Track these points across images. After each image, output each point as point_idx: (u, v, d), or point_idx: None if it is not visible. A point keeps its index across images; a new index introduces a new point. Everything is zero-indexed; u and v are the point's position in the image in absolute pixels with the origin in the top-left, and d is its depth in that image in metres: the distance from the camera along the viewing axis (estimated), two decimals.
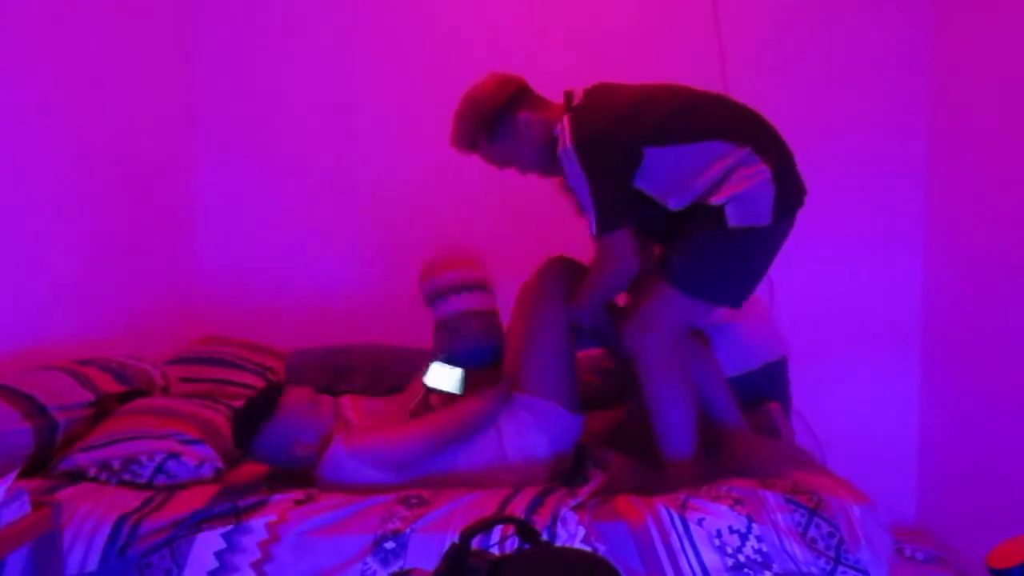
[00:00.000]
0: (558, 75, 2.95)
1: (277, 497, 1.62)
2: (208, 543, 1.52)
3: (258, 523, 1.54)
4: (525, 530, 1.22)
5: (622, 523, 1.54)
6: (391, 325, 2.90)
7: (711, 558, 1.50)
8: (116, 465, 1.74)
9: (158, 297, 2.79)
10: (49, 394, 1.82)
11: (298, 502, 1.63)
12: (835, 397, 2.88)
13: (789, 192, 1.78)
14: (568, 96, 1.88)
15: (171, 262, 2.91)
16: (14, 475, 1.34)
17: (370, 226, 3.01)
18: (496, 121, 1.87)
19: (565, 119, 1.78)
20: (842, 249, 2.92)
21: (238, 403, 2.10)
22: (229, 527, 1.53)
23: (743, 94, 2.87)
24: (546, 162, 1.86)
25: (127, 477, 1.73)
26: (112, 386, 2.00)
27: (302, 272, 3.03)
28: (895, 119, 2.88)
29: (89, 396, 1.91)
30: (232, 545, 1.52)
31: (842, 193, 2.90)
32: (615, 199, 1.75)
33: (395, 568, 1.50)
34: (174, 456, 1.78)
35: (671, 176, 1.76)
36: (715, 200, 1.72)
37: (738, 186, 1.71)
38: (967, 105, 2.63)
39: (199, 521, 1.55)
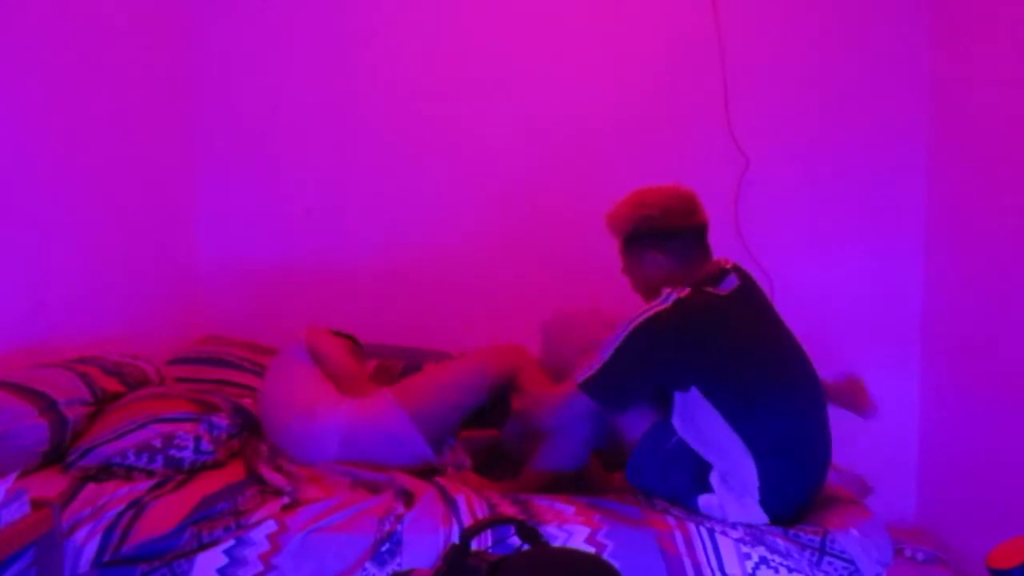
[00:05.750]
0: (556, 76, 2.98)
1: (272, 502, 1.64)
2: (210, 561, 1.51)
3: (258, 534, 1.54)
4: (525, 530, 1.22)
5: (648, 530, 1.59)
6: (392, 324, 2.89)
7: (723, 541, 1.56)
8: (158, 444, 1.78)
9: (158, 297, 2.79)
10: (58, 391, 1.83)
11: (297, 501, 1.64)
12: None
13: None
14: (712, 274, 1.79)
15: (171, 262, 2.91)
16: (14, 476, 1.34)
17: (370, 226, 3.01)
18: (629, 236, 1.87)
19: (673, 298, 1.70)
20: (843, 249, 2.92)
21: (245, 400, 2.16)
22: (230, 542, 1.53)
23: (743, 96, 2.90)
24: (645, 295, 1.86)
25: (173, 452, 1.78)
26: (112, 385, 2.01)
27: (302, 271, 3.03)
28: (895, 120, 2.87)
29: (90, 394, 1.92)
30: (234, 559, 1.52)
31: (842, 194, 2.90)
32: (618, 377, 1.72)
33: (392, 567, 1.50)
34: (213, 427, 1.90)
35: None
36: None
37: None
38: (967, 106, 2.62)
39: (199, 520, 1.56)
